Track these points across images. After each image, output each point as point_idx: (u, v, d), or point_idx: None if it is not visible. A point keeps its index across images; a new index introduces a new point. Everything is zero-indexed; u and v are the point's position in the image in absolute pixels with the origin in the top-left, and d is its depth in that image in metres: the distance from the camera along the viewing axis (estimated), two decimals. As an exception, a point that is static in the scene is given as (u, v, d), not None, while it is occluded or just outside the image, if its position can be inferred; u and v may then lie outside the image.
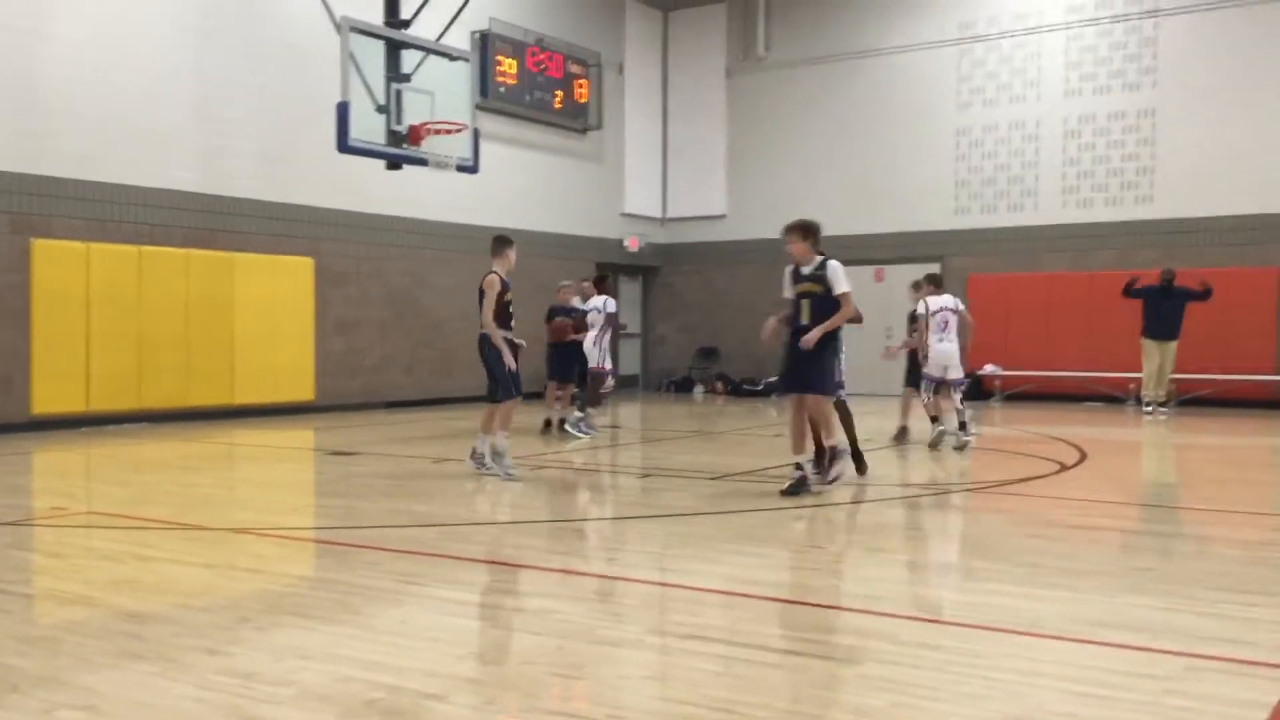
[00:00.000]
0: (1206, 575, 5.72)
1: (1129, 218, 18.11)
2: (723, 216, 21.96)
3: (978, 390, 18.92)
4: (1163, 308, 15.44)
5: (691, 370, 21.56)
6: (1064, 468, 10.01)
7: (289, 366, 15.42)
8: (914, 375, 12.16)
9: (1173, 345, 15.46)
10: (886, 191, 20.13)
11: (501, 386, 9.03)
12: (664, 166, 22.71)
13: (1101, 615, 4.87)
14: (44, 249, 12.91)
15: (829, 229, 21.51)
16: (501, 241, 9.55)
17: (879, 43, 20.22)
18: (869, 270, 20.20)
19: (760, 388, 20.31)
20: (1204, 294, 15.31)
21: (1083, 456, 10.85)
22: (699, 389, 21.28)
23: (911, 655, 4.21)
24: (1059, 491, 8.77)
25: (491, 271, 9.35)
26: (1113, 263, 18.05)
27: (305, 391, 15.68)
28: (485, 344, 9.17)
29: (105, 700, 3.65)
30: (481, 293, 9.24)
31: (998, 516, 7.94)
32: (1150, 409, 15.60)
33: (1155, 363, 15.52)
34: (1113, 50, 18.28)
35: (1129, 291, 15.58)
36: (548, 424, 12.94)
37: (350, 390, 16.44)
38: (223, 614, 4.85)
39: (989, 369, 18.76)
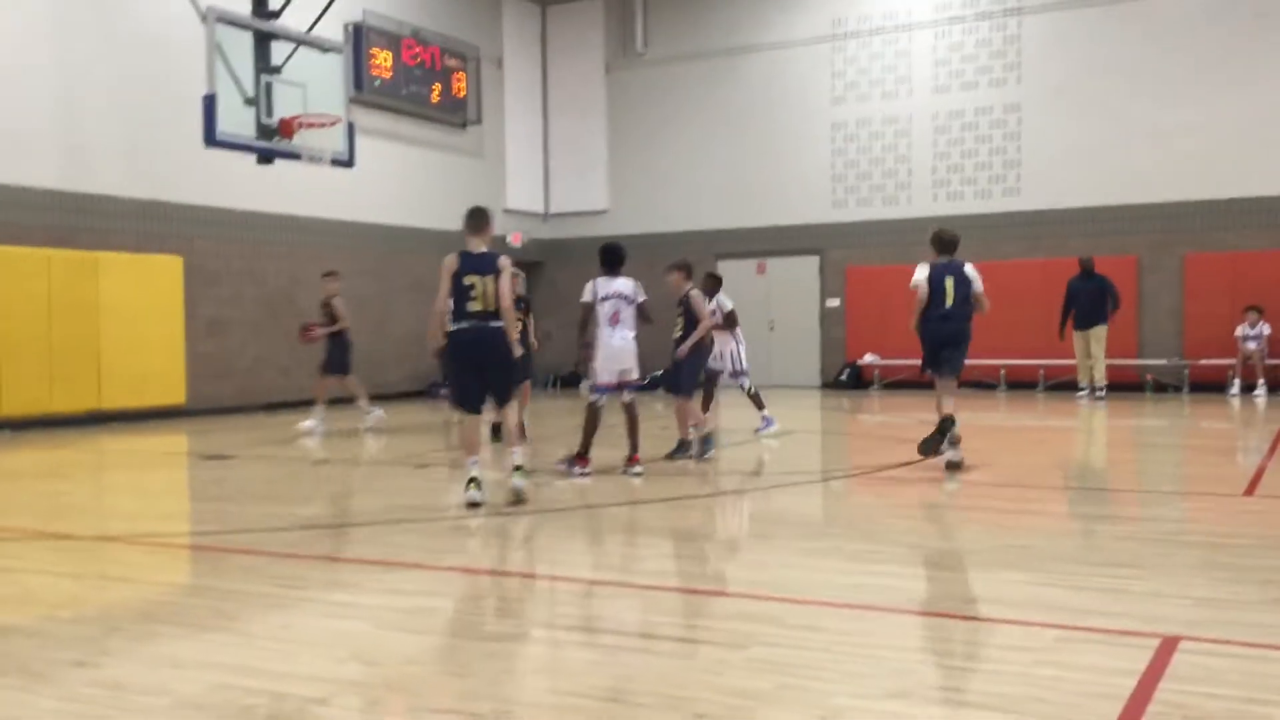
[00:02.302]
0: (1079, 551, 5.94)
1: (997, 209, 18.71)
2: (604, 211, 21.98)
3: (858, 379, 19.38)
4: (1081, 295, 16.03)
5: (577, 366, 21.52)
6: (939, 452, 10.26)
7: (158, 369, 14.86)
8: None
9: (1099, 330, 16.02)
10: (766, 186, 20.41)
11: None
12: (545, 162, 22.61)
13: (979, 592, 5.02)
14: (-112, 250, 12.20)
15: (711, 222, 21.84)
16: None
17: (755, 39, 20.48)
18: (751, 264, 20.47)
19: (645, 382, 20.35)
20: (1117, 300, 16.10)
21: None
22: (585, 384, 21.24)
23: (797, 637, 4.26)
24: (936, 475, 9.00)
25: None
26: (983, 254, 18.53)
27: (176, 395, 15.13)
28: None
29: (-39, 719, 3.45)
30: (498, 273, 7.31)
31: (879, 500, 8.11)
32: (1084, 395, 16.13)
33: (1082, 349, 16.11)
34: (979, 47, 18.85)
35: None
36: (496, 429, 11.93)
37: (223, 393, 15.93)
38: (91, 625, 4.65)
39: (868, 358, 19.20)
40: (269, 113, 11.86)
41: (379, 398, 17.98)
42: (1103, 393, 16.05)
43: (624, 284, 8.91)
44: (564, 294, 21.81)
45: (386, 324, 18.44)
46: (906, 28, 19.35)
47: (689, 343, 9.65)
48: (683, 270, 9.89)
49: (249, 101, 11.69)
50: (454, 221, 21.99)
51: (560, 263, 22.18)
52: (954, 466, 8.90)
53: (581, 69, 22.12)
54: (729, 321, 11.24)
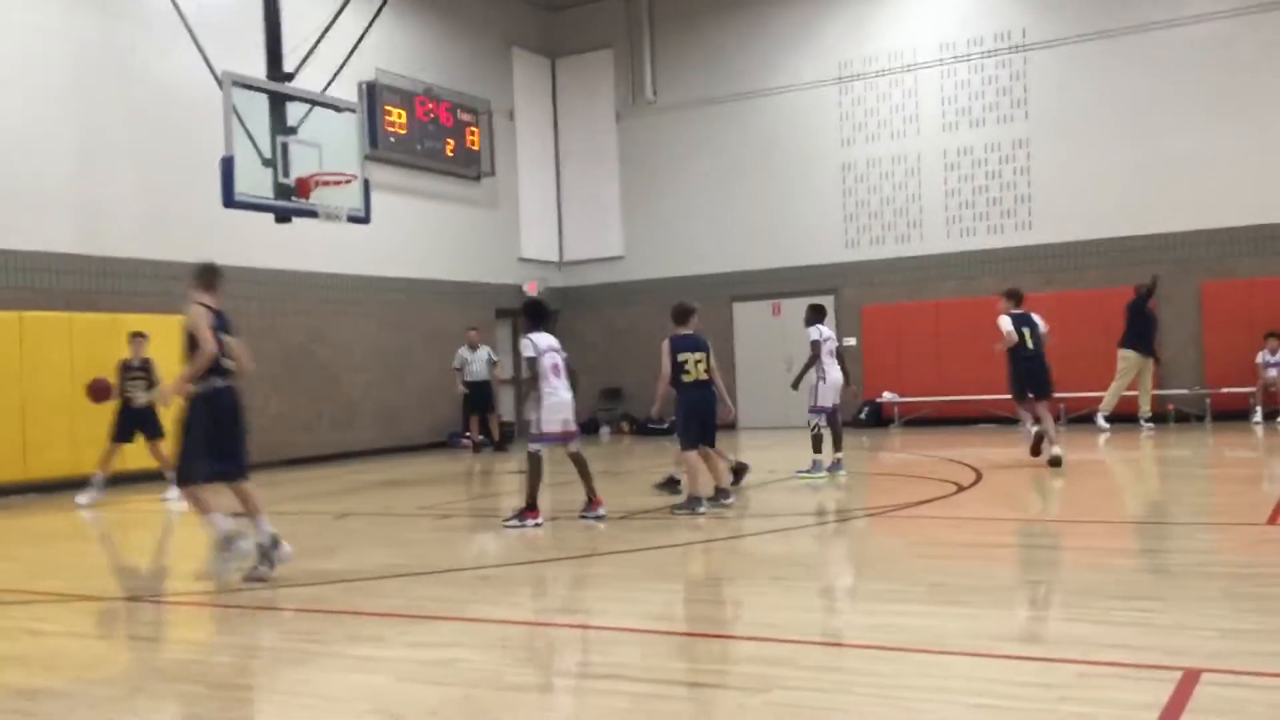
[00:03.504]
0: (1100, 585, 5.91)
1: (1010, 244, 18.73)
2: (620, 258, 22.12)
3: (877, 417, 19.34)
4: (1147, 319, 15.90)
5: (596, 412, 21.56)
6: (960, 488, 10.25)
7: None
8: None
9: (1150, 360, 15.94)
10: (779, 227, 20.52)
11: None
12: (559, 210, 22.81)
13: (999, 629, 5.00)
14: (-84, 318, 12.39)
15: (726, 265, 21.95)
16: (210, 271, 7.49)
17: (763, 84, 20.68)
18: (767, 305, 20.54)
19: (665, 426, 20.40)
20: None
21: (978, 477, 11.13)
22: (605, 430, 21.28)
23: (816, 679, 4.26)
24: (956, 512, 8.98)
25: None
26: (998, 288, 18.60)
27: (200, 453, 15.23)
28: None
29: (-9, 782, 3.49)
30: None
31: (898, 539, 8.09)
32: (1142, 424, 15.90)
33: (1133, 373, 15.87)
34: (985, 85, 18.98)
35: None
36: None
37: (247, 449, 16.02)
38: (117, 686, 4.69)
39: (886, 396, 19.17)
40: (286, 172, 12.02)
41: (403, 448, 18.10)
42: (1151, 425, 15.95)
43: (554, 339, 9.07)
44: (581, 340, 21.92)
45: (406, 375, 18.57)
46: (912, 67, 19.51)
47: (656, 401, 9.84)
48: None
49: (266, 162, 11.86)
50: (471, 272, 22.31)
51: (577, 310, 22.30)
52: (1056, 461, 11.29)
53: (592, 118, 22.37)
54: (814, 352, 11.50)
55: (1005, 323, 12.01)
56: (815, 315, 11.82)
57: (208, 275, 7.26)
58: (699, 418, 9.44)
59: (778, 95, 20.57)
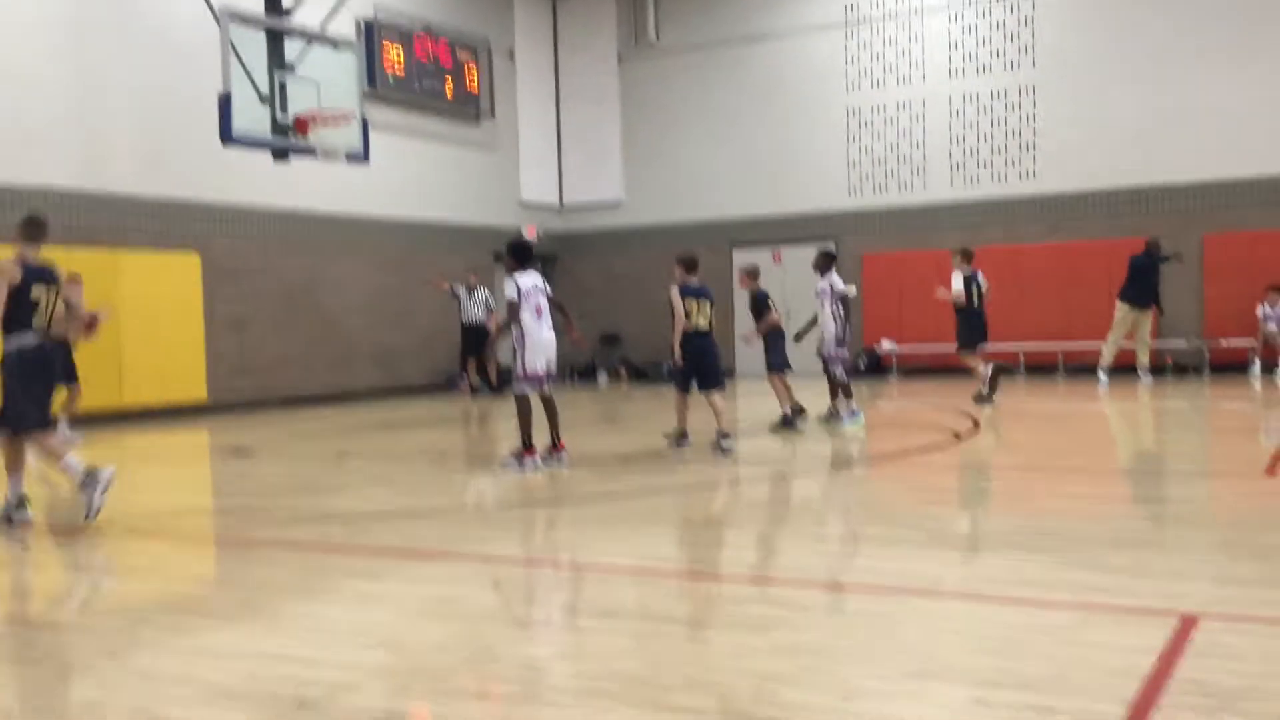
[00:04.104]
0: (1097, 532, 5.95)
1: (1014, 193, 18.63)
2: (619, 202, 22.00)
3: (876, 366, 19.36)
4: (1145, 273, 15.80)
5: (594, 357, 21.57)
6: (958, 437, 10.29)
7: (179, 366, 14.99)
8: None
9: (1149, 313, 15.91)
10: (781, 174, 20.38)
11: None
12: (559, 153, 22.63)
13: (997, 574, 5.04)
14: (-88, 252, 12.33)
15: (726, 211, 21.85)
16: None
17: (768, 26, 20.43)
18: (767, 252, 20.47)
19: (665, 373, 20.44)
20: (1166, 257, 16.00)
21: (976, 425, 11.16)
22: (603, 376, 21.30)
23: (819, 621, 4.30)
24: (954, 459, 9.01)
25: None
26: (1000, 238, 18.57)
27: (197, 391, 15.27)
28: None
29: (-1, 710, 3.52)
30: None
31: (897, 485, 8.13)
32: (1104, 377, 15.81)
33: (1126, 326, 15.83)
34: (992, 30, 18.75)
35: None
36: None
37: (244, 389, 16.05)
38: (121, 617, 4.72)
39: (886, 345, 19.17)
40: (284, 110, 11.90)
41: (401, 390, 18.11)
42: (1149, 376, 15.92)
43: (538, 278, 8.89)
44: (581, 286, 21.89)
45: (406, 318, 18.53)
46: (919, 12, 19.27)
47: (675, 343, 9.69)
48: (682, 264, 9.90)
49: (264, 99, 11.73)
50: (470, 215, 22.23)
51: (576, 255, 22.21)
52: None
53: (594, 60, 22.13)
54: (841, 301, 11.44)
55: (958, 281, 13.40)
56: (828, 262, 11.59)
57: (28, 227, 6.93)
58: (697, 364, 9.52)
59: (783, 39, 20.34)
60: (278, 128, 11.89)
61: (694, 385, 9.70)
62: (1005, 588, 4.72)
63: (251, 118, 11.59)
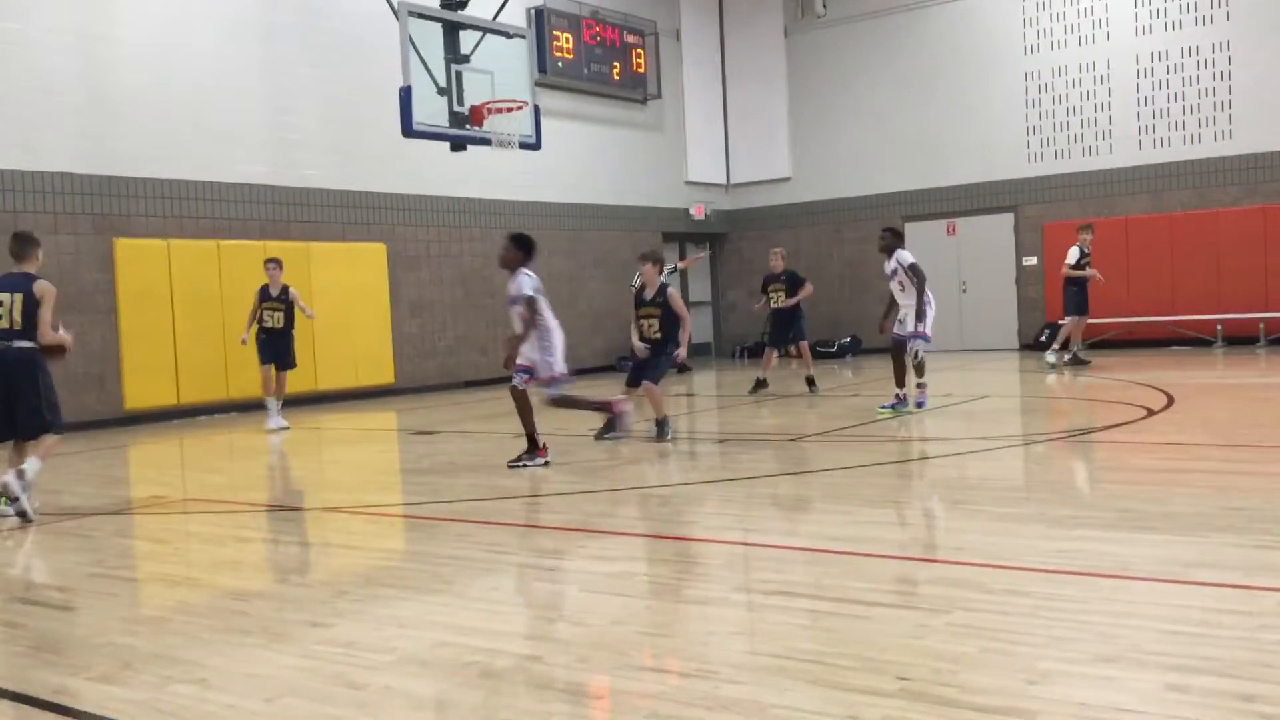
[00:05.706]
0: (1302, 512, 5.60)
1: (1208, 155, 17.60)
2: (787, 179, 21.80)
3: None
4: None
5: (764, 335, 21.47)
6: (1151, 413, 9.83)
7: (368, 351, 15.72)
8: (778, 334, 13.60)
9: None
10: (954, 143, 19.81)
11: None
12: (725, 132, 22.58)
13: (1193, 556, 4.81)
14: (126, 247, 13.30)
15: (897, 184, 21.41)
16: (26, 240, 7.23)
17: (939, -8, 19.85)
18: (940, 224, 19.95)
19: (834, 349, 20.20)
20: None
21: (1170, 401, 10.63)
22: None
23: (1000, 602, 4.20)
24: (1147, 437, 8.62)
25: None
26: (1193, 202, 17.59)
27: (385, 375, 15.98)
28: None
29: (215, 674, 3.80)
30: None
31: (1085, 464, 7.83)
32: None
33: None
34: (1183, -17, 17.73)
35: None
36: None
37: (427, 372, 16.70)
38: (321, 589, 5.01)
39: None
40: (460, 101, 12.28)
41: (574, 372, 18.42)
42: None
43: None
44: (749, 263, 21.82)
45: (577, 300, 18.88)
46: (1102, -32, 18.37)
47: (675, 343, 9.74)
48: (656, 263, 9.82)
49: (441, 91, 12.13)
50: (639, 197, 22.41)
51: (744, 233, 22.15)
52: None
53: (760, 35, 21.95)
54: (916, 278, 10.54)
55: (1074, 254, 14.74)
56: (898, 240, 10.82)
57: (13, 242, 7.16)
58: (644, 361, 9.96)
59: (954, 3, 19.72)
60: (455, 119, 12.28)
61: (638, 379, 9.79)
62: (1201, 571, 4.51)
63: (429, 110, 12.01)
